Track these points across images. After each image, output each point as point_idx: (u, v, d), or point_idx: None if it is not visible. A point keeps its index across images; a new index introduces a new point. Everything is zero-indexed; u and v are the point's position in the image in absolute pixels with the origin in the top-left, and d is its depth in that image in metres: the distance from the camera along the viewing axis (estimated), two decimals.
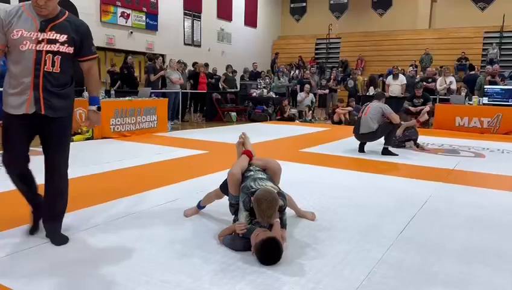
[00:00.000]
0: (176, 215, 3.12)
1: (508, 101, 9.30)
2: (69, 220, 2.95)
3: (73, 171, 4.46)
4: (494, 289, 2.10)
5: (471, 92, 10.87)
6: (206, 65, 12.49)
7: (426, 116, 6.61)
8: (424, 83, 11.12)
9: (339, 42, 19.19)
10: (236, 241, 2.47)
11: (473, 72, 12.60)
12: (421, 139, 7.46)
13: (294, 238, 2.68)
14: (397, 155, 5.91)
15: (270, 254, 2.27)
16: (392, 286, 2.10)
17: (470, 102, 9.78)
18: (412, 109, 9.68)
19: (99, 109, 2.66)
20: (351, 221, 3.08)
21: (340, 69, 16.12)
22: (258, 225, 2.44)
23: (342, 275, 2.20)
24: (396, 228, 2.94)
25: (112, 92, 8.02)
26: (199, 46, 16.41)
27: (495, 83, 10.50)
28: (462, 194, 3.94)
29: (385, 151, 5.97)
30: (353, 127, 6.30)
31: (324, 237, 2.75)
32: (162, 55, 13.57)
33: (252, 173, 2.70)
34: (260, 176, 2.67)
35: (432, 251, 2.56)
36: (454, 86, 11.01)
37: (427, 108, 8.68)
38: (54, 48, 2.38)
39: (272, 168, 2.80)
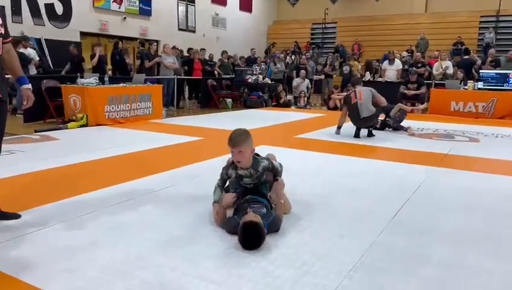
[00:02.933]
0: (171, 201, 3.13)
1: (503, 86, 9.32)
2: (66, 206, 2.96)
3: (68, 158, 4.48)
4: (484, 272, 2.13)
5: (466, 76, 10.86)
6: (202, 50, 12.37)
7: (420, 113, 7.14)
8: (414, 69, 11.13)
9: (335, 27, 19.06)
10: (230, 222, 2.51)
11: (467, 57, 12.57)
12: (417, 124, 7.52)
13: (288, 222, 2.70)
14: (374, 136, 6.27)
15: (247, 239, 2.29)
16: (384, 269, 2.13)
17: (465, 87, 9.78)
18: (407, 92, 9.74)
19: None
20: (344, 205, 3.11)
21: (336, 54, 16.01)
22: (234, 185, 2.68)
23: (335, 258, 2.23)
24: (389, 212, 2.96)
25: (106, 78, 7.95)
26: (193, 31, 16.25)
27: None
28: (456, 179, 3.97)
29: (370, 134, 6.32)
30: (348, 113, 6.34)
31: (318, 221, 2.77)
32: (156, 41, 13.45)
33: None
34: None
35: (424, 234, 2.59)
36: (450, 71, 10.99)
37: (421, 106, 8.72)
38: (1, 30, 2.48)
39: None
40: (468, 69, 11.31)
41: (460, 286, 1.99)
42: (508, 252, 2.37)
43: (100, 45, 10.30)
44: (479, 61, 11.97)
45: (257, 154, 2.82)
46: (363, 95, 6.06)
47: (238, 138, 2.57)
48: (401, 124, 6.84)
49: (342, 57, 15.78)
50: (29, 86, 2.72)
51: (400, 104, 6.80)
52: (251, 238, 2.29)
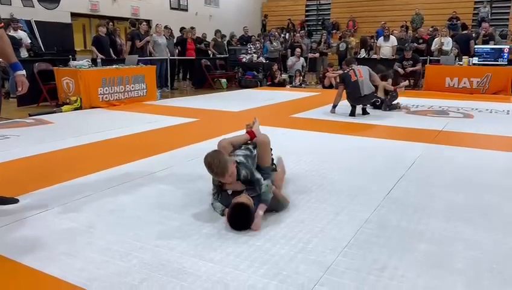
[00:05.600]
0: (169, 182, 3.16)
1: (498, 61, 9.29)
2: (63, 190, 2.98)
3: (64, 142, 4.48)
4: (476, 246, 2.18)
5: (462, 52, 10.78)
6: (192, 28, 12.14)
7: (403, 90, 7.49)
8: (415, 44, 11.02)
9: (330, 3, 18.78)
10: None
11: (465, 32, 12.44)
12: (411, 101, 7.53)
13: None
14: (369, 114, 6.33)
15: (234, 219, 2.32)
16: (378, 244, 2.17)
17: (460, 62, 9.75)
18: (400, 70, 9.71)
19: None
20: (340, 183, 3.14)
21: (333, 31, 15.73)
22: (225, 201, 2.52)
23: (330, 235, 2.28)
24: (384, 188, 3.01)
25: (99, 60, 7.85)
26: (186, 10, 15.96)
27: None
28: (450, 155, 4.01)
29: (365, 112, 6.37)
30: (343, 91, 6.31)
31: (313, 199, 2.81)
32: (148, 21, 13.21)
33: (238, 151, 2.70)
34: (239, 153, 2.65)
35: (418, 210, 2.64)
36: (448, 47, 10.88)
37: (405, 83, 8.68)
38: None
39: (257, 141, 2.76)
40: (465, 44, 11.21)
41: (453, 260, 2.03)
42: (500, 226, 2.42)
43: (104, 25, 10.05)
44: (474, 35, 11.86)
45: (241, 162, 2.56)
46: (362, 72, 6.06)
47: (220, 169, 2.39)
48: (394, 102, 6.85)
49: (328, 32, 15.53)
50: (23, 72, 2.69)
51: (384, 83, 6.79)
52: (238, 219, 2.32)
